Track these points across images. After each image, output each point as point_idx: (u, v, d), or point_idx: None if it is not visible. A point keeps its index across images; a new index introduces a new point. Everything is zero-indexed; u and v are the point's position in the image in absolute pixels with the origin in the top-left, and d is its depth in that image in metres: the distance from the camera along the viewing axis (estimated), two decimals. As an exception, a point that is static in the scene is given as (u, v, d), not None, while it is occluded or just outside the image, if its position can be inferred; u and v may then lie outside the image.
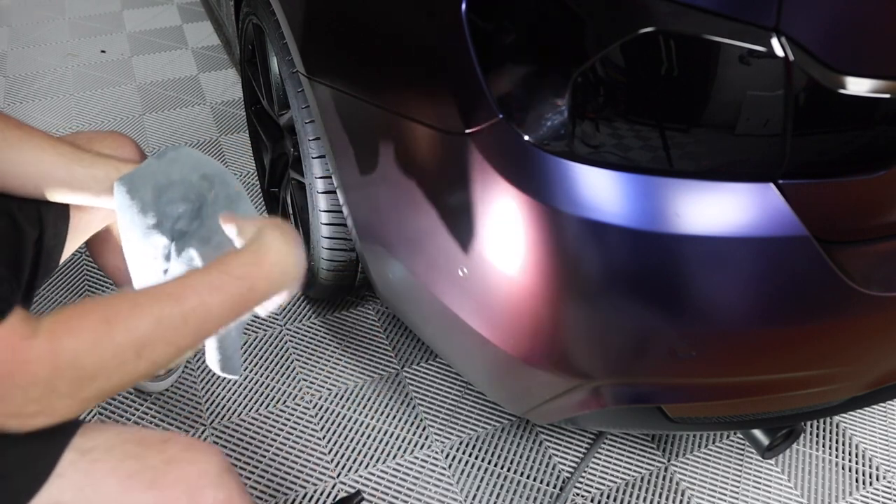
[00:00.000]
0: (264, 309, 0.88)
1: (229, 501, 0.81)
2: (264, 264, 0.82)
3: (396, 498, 1.37)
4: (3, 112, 0.98)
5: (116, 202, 0.97)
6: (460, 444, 1.47)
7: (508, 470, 1.43)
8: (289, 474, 1.41)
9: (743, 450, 1.47)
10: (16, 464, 0.77)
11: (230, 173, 1.03)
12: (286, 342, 1.66)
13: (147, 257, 1.00)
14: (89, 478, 0.77)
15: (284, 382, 1.57)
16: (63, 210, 1.05)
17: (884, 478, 1.44)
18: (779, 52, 0.78)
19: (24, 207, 1.00)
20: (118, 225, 0.99)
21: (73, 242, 1.10)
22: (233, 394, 1.54)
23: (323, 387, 1.57)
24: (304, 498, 1.37)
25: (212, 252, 0.98)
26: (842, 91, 0.80)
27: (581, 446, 1.47)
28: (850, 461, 1.46)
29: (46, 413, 0.67)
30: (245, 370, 1.59)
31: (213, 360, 1.02)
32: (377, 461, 1.43)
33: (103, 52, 2.80)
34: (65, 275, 1.81)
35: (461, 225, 0.98)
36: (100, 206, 1.04)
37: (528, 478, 1.41)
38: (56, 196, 1.00)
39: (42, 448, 0.78)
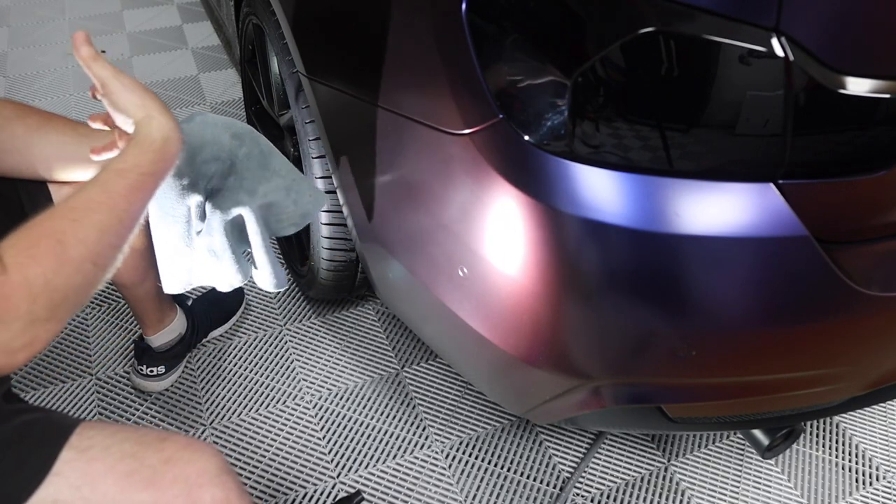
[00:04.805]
0: None
1: (227, 501, 0.81)
2: (168, 154, 0.85)
3: (396, 498, 1.37)
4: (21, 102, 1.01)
5: None
6: (460, 444, 1.47)
7: (508, 470, 1.43)
8: (289, 474, 1.41)
9: (743, 450, 1.47)
10: (13, 463, 0.77)
11: (256, 131, 1.08)
12: (286, 342, 1.66)
13: (178, 222, 1.06)
14: (87, 476, 0.77)
15: (284, 382, 1.57)
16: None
17: (884, 478, 1.43)
18: (779, 52, 0.78)
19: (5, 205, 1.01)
20: None
21: None
22: (233, 394, 1.54)
23: (323, 387, 1.57)
24: (304, 498, 1.37)
25: (258, 200, 1.06)
26: (842, 91, 0.80)
27: (581, 446, 1.47)
28: (850, 461, 1.46)
29: (32, 344, 0.69)
30: (245, 370, 1.59)
31: (266, 282, 1.15)
32: (377, 461, 1.43)
33: (103, 52, 2.80)
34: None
35: (461, 225, 0.98)
36: None
37: (528, 478, 1.41)
38: (85, 175, 1.03)
39: (39, 446, 0.78)
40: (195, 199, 1.02)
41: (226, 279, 1.15)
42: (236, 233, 1.12)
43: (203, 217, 1.06)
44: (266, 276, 1.16)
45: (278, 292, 1.74)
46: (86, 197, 0.76)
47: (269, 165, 1.07)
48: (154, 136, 0.85)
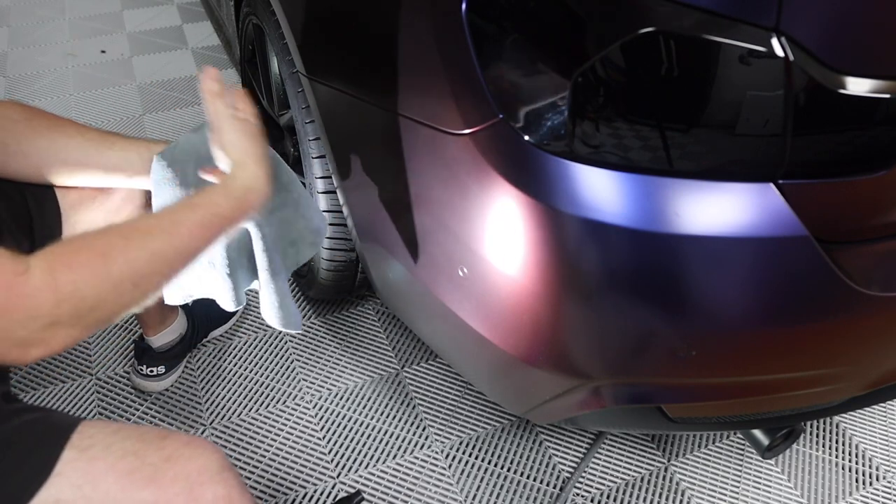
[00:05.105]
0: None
1: (229, 498, 0.81)
2: (247, 203, 0.88)
3: (396, 498, 1.37)
4: (29, 104, 1.00)
5: (154, 178, 1.02)
6: (460, 444, 1.47)
7: (508, 470, 1.43)
8: (289, 474, 1.41)
9: (743, 450, 1.47)
10: (14, 463, 0.77)
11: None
12: (286, 342, 1.66)
13: None
14: (88, 475, 0.77)
15: (284, 382, 1.57)
16: (55, 213, 1.05)
17: (884, 478, 1.44)
18: (779, 52, 0.78)
19: (12, 207, 1.01)
20: (153, 202, 1.04)
21: None
22: (233, 394, 1.54)
23: (323, 387, 1.57)
24: (304, 498, 1.37)
25: (265, 215, 1.05)
26: (842, 91, 0.80)
27: (581, 446, 1.47)
28: (850, 461, 1.46)
29: (48, 342, 0.69)
30: (245, 370, 1.59)
31: (274, 319, 1.12)
32: (377, 461, 1.43)
33: (103, 52, 2.80)
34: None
35: (461, 225, 0.98)
36: (132, 187, 1.08)
37: (528, 478, 1.41)
38: (91, 181, 1.04)
39: (40, 446, 0.78)
40: None
41: (219, 295, 1.14)
42: (244, 259, 1.11)
43: None
44: (269, 304, 1.11)
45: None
46: (151, 221, 0.79)
47: (276, 179, 1.06)
48: (240, 182, 0.88)
